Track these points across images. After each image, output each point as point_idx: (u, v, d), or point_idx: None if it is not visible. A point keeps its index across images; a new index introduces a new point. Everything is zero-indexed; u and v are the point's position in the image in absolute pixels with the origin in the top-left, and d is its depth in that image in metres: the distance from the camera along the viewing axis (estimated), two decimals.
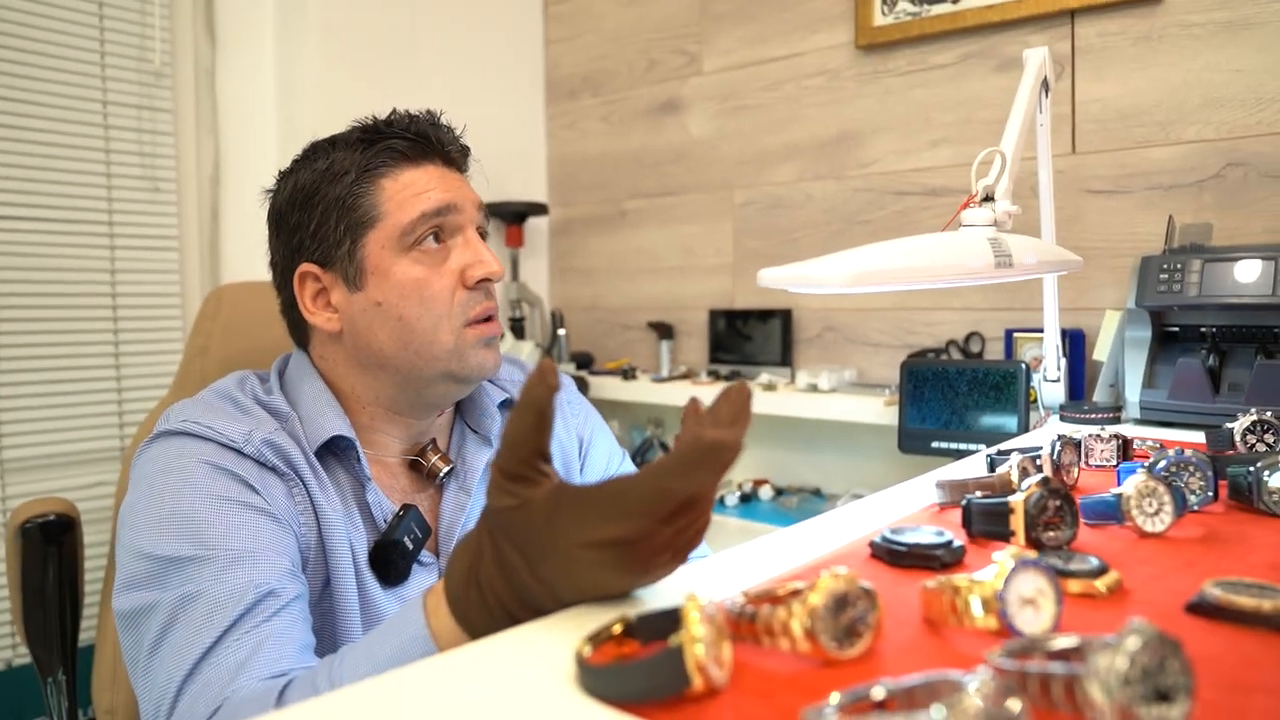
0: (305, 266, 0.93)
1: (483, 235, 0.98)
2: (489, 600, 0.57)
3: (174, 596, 0.75)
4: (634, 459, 1.86)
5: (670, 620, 0.46)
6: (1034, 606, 0.49)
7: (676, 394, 2.15)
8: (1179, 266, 1.32)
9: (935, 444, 1.51)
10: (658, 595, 0.56)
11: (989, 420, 1.47)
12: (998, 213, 0.96)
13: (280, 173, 0.98)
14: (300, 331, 0.99)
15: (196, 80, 2.13)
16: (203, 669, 0.71)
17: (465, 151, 1.00)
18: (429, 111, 0.98)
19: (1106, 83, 1.75)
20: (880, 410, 1.80)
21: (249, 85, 2.16)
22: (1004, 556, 0.49)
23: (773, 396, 1.99)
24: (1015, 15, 1.82)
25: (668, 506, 0.49)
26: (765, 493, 2.11)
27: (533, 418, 0.53)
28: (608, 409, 2.30)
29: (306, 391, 0.94)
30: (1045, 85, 1.26)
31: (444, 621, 0.59)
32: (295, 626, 0.76)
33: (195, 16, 2.12)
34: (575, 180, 2.67)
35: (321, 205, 0.92)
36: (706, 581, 0.62)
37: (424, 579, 0.93)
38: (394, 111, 0.97)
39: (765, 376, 2.12)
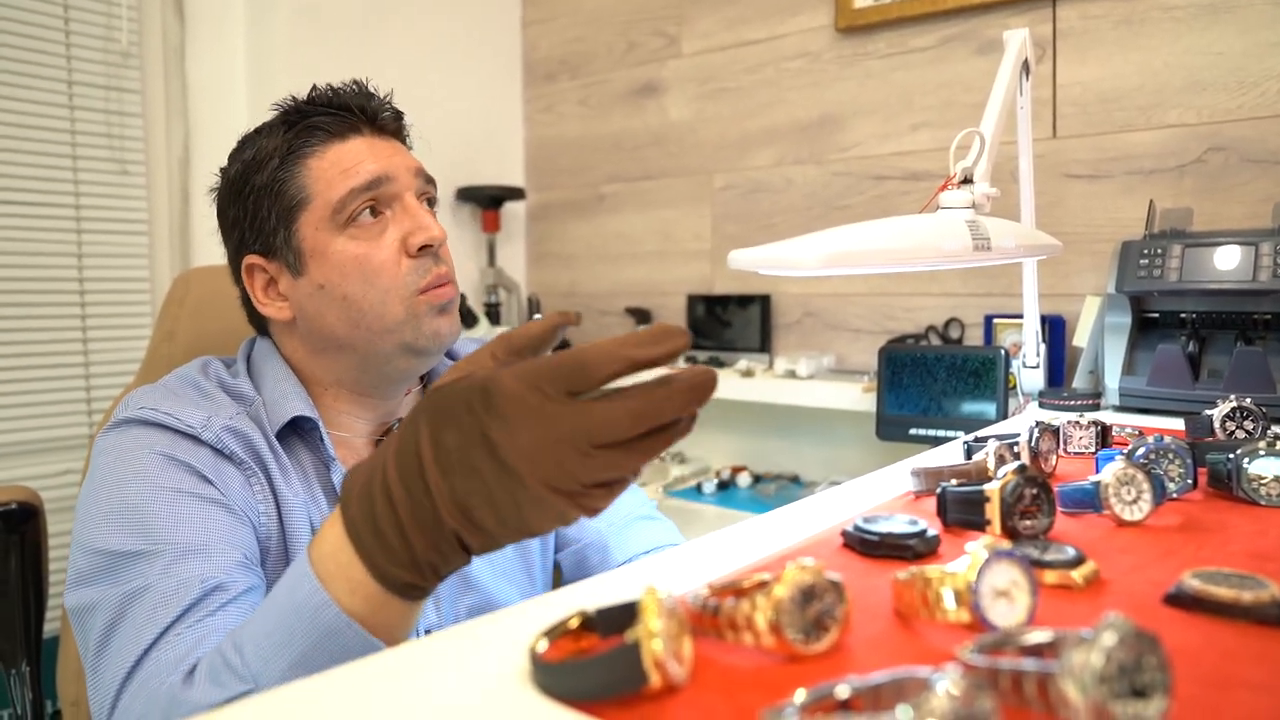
0: (250, 259, 0.92)
1: (431, 202, 0.95)
2: (378, 500, 0.53)
3: (121, 592, 0.73)
4: None
5: (629, 614, 0.44)
6: (1008, 599, 0.47)
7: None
8: (1159, 252, 1.31)
9: (913, 431, 1.50)
10: (619, 589, 0.54)
11: (968, 407, 1.45)
12: (976, 195, 0.95)
13: (220, 169, 0.96)
14: (259, 322, 0.98)
15: (165, 60, 2.08)
16: (144, 665, 0.69)
17: (398, 116, 0.96)
18: (355, 81, 0.94)
19: (1088, 66, 1.73)
20: (858, 396, 1.78)
21: (219, 66, 2.11)
22: (977, 547, 0.48)
23: (751, 383, 1.98)
24: None
25: (589, 375, 0.47)
26: (743, 480, 2.09)
27: (539, 327, 0.54)
28: None
29: (269, 374, 0.92)
30: (1026, 67, 1.24)
31: (331, 549, 0.56)
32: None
33: None
34: (553, 164, 2.64)
35: (253, 195, 0.90)
36: (673, 572, 0.60)
37: None
38: (314, 88, 0.94)
39: (743, 363, 2.10)
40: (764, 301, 2.17)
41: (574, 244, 2.61)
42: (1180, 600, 0.51)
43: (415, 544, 0.52)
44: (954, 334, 1.90)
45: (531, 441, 0.47)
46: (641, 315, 2.38)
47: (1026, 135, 1.32)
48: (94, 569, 0.75)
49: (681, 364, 2.24)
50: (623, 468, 0.49)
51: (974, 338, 1.88)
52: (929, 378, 1.48)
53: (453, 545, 0.52)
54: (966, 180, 0.96)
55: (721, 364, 2.19)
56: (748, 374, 2.03)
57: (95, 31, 1.96)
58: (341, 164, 0.89)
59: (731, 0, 2.24)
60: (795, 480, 2.11)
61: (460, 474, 0.50)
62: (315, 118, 0.90)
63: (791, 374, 1.96)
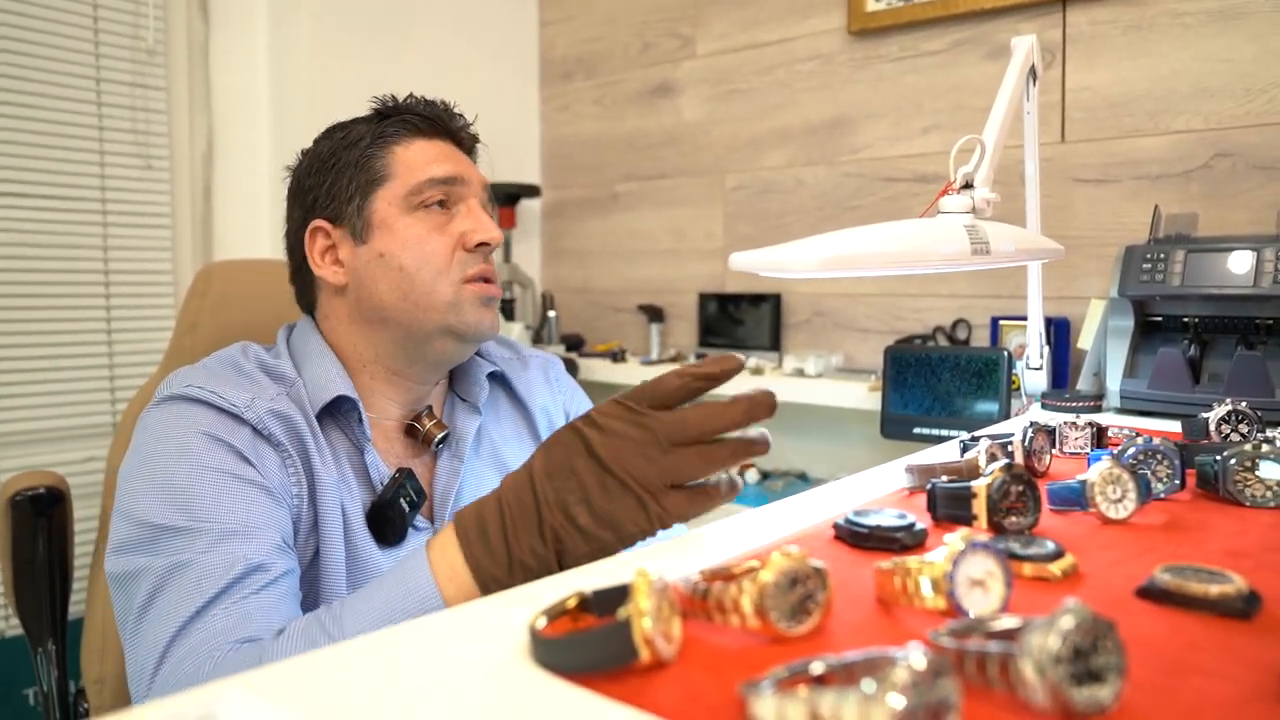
0: (316, 222, 0.98)
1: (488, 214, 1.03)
2: (489, 510, 0.67)
3: (164, 563, 0.77)
4: None
5: (623, 595, 0.47)
6: (983, 588, 0.50)
7: None
8: (1162, 256, 1.33)
9: (917, 430, 1.52)
10: (617, 573, 0.57)
11: (971, 407, 1.47)
12: (976, 200, 0.97)
13: (302, 151, 1.04)
14: (308, 293, 1.03)
15: (190, 58, 2.13)
16: (190, 632, 0.72)
17: (474, 139, 1.06)
18: (443, 100, 1.04)
19: (1096, 71, 1.75)
20: (865, 395, 1.81)
21: (242, 63, 2.15)
22: (955, 539, 0.50)
23: (760, 381, 2.00)
24: (1006, 2, 1.82)
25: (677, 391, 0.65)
26: (751, 476, 2.12)
27: (690, 382, 0.66)
28: (597, 391, 2.31)
29: (311, 354, 0.96)
30: (1033, 73, 1.26)
31: (441, 543, 0.69)
32: (283, 601, 0.77)
33: None
34: (568, 162, 2.67)
35: (337, 167, 0.98)
36: (671, 559, 0.63)
37: (420, 542, 0.95)
38: (410, 95, 1.03)
39: (753, 361, 2.13)
40: (775, 301, 2.20)
41: (588, 241, 2.64)
42: (1151, 593, 0.54)
43: (513, 545, 0.65)
44: (961, 335, 1.92)
45: (621, 442, 0.64)
46: (654, 312, 2.40)
47: (1033, 140, 1.34)
48: (137, 539, 0.79)
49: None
50: (694, 466, 0.64)
51: (981, 339, 1.90)
52: (933, 378, 1.51)
53: (549, 548, 0.65)
54: (967, 185, 0.98)
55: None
56: (757, 372, 2.05)
57: (123, 30, 2.00)
58: (424, 155, 0.98)
59: (745, 2, 2.26)
60: (803, 477, 2.13)
61: (561, 477, 0.65)
62: (407, 115, 1.00)
63: (800, 372, 1.98)
